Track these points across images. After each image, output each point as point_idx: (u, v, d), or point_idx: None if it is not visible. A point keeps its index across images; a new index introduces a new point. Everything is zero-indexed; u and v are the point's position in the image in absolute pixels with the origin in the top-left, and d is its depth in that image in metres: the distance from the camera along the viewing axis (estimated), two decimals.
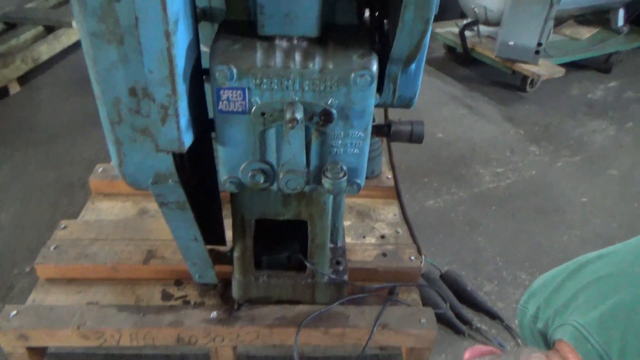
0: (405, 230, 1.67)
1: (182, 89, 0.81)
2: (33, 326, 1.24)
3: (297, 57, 0.82)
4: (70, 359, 1.45)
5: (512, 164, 2.57)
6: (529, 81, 3.25)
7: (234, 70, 0.81)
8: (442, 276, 1.77)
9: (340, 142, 0.89)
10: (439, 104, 3.17)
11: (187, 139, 0.87)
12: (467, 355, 0.77)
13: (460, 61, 3.76)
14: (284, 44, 0.83)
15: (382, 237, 1.60)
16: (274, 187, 0.96)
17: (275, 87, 0.83)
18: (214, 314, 1.29)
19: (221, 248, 1.40)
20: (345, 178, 0.90)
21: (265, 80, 0.82)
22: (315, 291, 1.33)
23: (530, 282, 1.85)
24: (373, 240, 1.58)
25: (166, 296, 1.41)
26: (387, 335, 1.30)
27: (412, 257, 1.50)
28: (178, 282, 1.45)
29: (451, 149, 2.67)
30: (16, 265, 1.80)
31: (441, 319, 1.63)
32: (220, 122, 0.87)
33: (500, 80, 3.48)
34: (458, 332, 1.61)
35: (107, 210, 1.75)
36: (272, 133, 0.88)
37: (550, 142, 2.78)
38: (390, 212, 1.82)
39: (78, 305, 1.34)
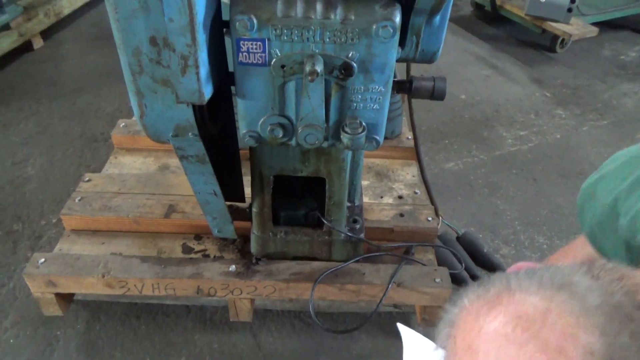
0: (424, 192, 1.67)
1: (202, 39, 0.80)
2: (60, 273, 1.29)
3: (318, 7, 0.79)
4: (96, 306, 1.51)
5: (536, 126, 2.51)
6: (559, 41, 3.12)
7: (254, 21, 0.79)
8: (458, 238, 1.76)
9: (360, 96, 0.88)
10: (464, 64, 3.08)
11: (207, 91, 0.86)
12: (510, 269, 0.65)
13: (488, 19, 3.62)
14: None
15: (400, 197, 1.60)
16: (293, 141, 0.95)
17: (296, 38, 0.81)
18: (232, 267, 1.32)
19: (240, 204, 1.42)
20: (364, 134, 0.89)
21: (285, 31, 0.80)
22: (331, 248, 1.35)
23: (548, 246, 1.84)
24: (391, 201, 1.58)
25: (186, 249, 1.44)
26: (401, 292, 1.32)
27: (429, 218, 1.50)
28: (198, 237, 1.48)
29: (474, 111, 2.61)
30: (43, 216, 1.85)
31: (456, 280, 1.63)
32: (240, 75, 0.86)
33: (529, 40, 3.35)
34: None
35: (129, 164, 1.78)
36: (291, 86, 0.87)
37: (578, 105, 2.69)
38: (409, 173, 1.81)
39: (103, 255, 1.39)
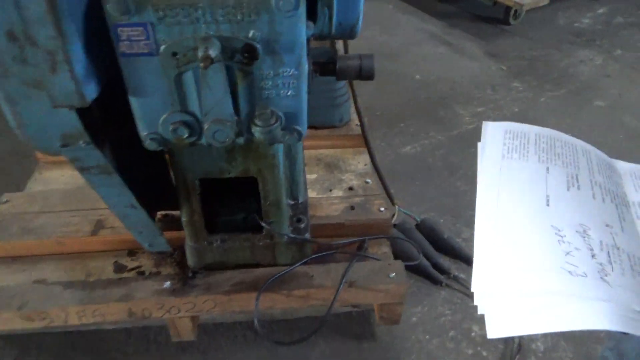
0: (376, 180, 1.58)
1: (71, 28, 0.68)
2: None
3: None
4: (26, 340, 1.38)
5: (493, 102, 2.45)
6: (512, 12, 3.08)
7: (130, 2, 0.68)
8: (417, 225, 1.69)
9: (270, 82, 0.78)
10: (417, 43, 3.00)
11: (90, 91, 0.74)
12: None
13: None
14: None
15: (350, 189, 1.50)
16: (203, 140, 0.85)
17: (184, 20, 0.70)
18: (167, 284, 1.21)
19: (175, 212, 1.31)
20: (278, 125, 0.79)
21: (169, 12, 0.69)
22: (275, 252, 1.25)
23: None
24: (340, 193, 1.49)
25: (119, 268, 1.32)
26: (354, 293, 1.23)
27: (382, 209, 1.42)
28: (131, 252, 1.35)
29: (429, 90, 2.54)
30: None
31: (417, 270, 1.56)
32: (126, 68, 0.75)
33: (482, 13, 3.30)
34: (435, 282, 1.55)
35: (55, 179, 1.63)
36: (189, 77, 0.76)
37: (535, 77, 2.65)
38: (361, 161, 1.72)
39: (21, 284, 1.25)
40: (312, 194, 1.48)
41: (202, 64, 0.68)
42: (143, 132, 0.83)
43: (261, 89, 0.78)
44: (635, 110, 2.35)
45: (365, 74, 0.91)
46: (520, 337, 1.38)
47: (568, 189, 0.75)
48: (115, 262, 1.33)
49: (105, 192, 0.98)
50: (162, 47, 0.72)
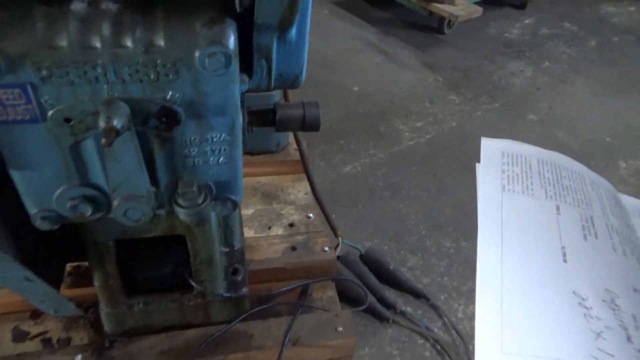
0: (318, 212, 1.46)
1: None
2: None
3: (105, 28, 0.52)
4: None
5: (431, 115, 2.41)
6: (446, 22, 3.06)
7: (0, 58, 0.50)
8: (362, 257, 1.60)
9: (196, 149, 0.62)
10: (354, 51, 2.91)
11: None
12: None
13: (375, 1, 3.49)
14: (81, 8, 0.52)
15: (291, 225, 1.37)
16: (112, 216, 0.68)
17: (77, 79, 0.53)
18: (78, 358, 1.02)
19: (87, 264, 1.11)
20: (206, 204, 0.64)
21: (56, 72, 0.52)
22: (208, 311, 1.09)
23: (455, 250, 1.74)
24: (280, 231, 1.35)
25: (19, 336, 1.11)
26: (299, 351, 1.10)
27: (326, 248, 1.29)
28: (35, 314, 1.14)
29: (368, 104, 2.45)
30: None
31: (367, 310, 1.47)
32: (2, 138, 0.56)
33: (417, 22, 3.27)
34: (382, 319, 1.46)
35: None
36: (90, 146, 0.59)
37: (470, 89, 2.65)
38: (301, 189, 1.59)
39: None
40: (249, 232, 1.33)
41: (104, 140, 0.51)
42: (32, 210, 0.65)
43: (185, 157, 0.63)
44: (565, 124, 2.40)
45: (310, 125, 0.78)
46: None
47: (585, 238, 0.64)
48: (15, 327, 1.12)
49: None
50: (50, 112, 0.54)
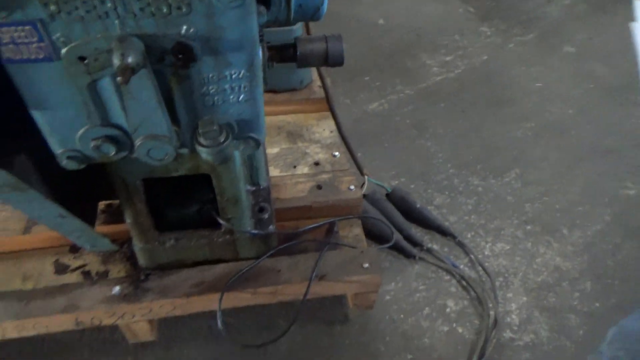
0: (343, 151, 1.43)
1: None
2: None
3: None
4: None
5: (461, 49, 2.29)
6: None
7: None
8: (388, 195, 1.58)
9: (215, 87, 0.60)
10: None
11: None
12: None
13: None
14: None
15: (317, 164, 1.36)
16: (136, 156, 0.67)
17: (86, 14, 0.50)
18: (116, 289, 1.06)
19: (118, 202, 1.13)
20: (228, 142, 0.62)
21: (64, 6, 0.49)
22: (237, 247, 1.11)
23: (483, 188, 1.70)
24: (306, 170, 1.34)
25: (60, 268, 1.16)
26: (326, 286, 1.12)
27: (352, 187, 1.28)
28: (74, 249, 1.19)
29: (394, 37, 2.34)
30: None
31: (392, 247, 1.46)
32: (18, 77, 0.55)
33: None
34: (408, 256, 1.46)
35: None
36: (107, 84, 0.57)
37: (502, 19, 2.49)
38: (326, 128, 1.55)
39: None
40: (274, 172, 1.33)
41: (119, 78, 0.49)
42: (57, 150, 0.65)
43: (204, 95, 0.60)
44: (604, 57, 2.25)
45: (333, 60, 0.73)
46: (495, 311, 1.33)
47: None
48: (56, 260, 1.17)
49: (25, 208, 0.80)
50: (64, 50, 0.52)
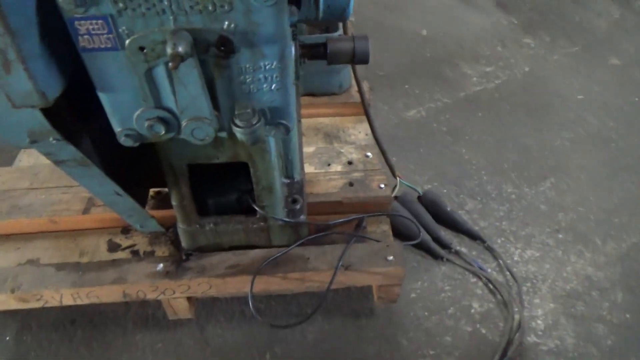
0: (377, 153, 1.50)
1: (19, 24, 0.59)
2: None
3: None
4: (25, 314, 1.37)
5: (502, 60, 2.31)
6: None
7: None
8: (419, 198, 1.63)
9: (250, 77, 0.69)
10: None
11: (52, 89, 0.67)
12: None
13: None
14: None
15: (350, 163, 1.43)
16: (182, 136, 0.77)
17: (147, 11, 0.60)
18: (160, 266, 1.17)
19: (166, 190, 1.25)
20: (260, 124, 0.71)
21: (129, 4, 0.60)
22: (270, 234, 1.20)
23: (516, 195, 1.72)
24: (339, 168, 1.42)
25: (113, 247, 1.28)
26: (351, 276, 1.19)
27: (382, 185, 1.35)
28: (125, 230, 1.32)
29: (436, 47, 2.39)
30: None
31: (418, 245, 1.51)
32: (90, 64, 0.66)
33: None
34: (436, 257, 1.50)
35: None
36: (161, 72, 0.68)
37: (547, 31, 2.49)
38: (362, 131, 1.64)
39: (14, 266, 1.22)
40: (309, 168, 1.41)
41: (171, 64, 0.59)
42: (117, 128, 0.76)
43: (241, 83, 0.70)
44: None
45: (359, 58, 0.81)
46: (521, 315, 1.35)
47: None
48: (109, 240, 1.30)
49: (86, 182, 0.92)
50: (127, 41, 0.63)
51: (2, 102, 0.68)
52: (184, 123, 0.72)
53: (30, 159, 1.54)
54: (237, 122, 0.70)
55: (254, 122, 0.70)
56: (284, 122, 0.77)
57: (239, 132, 0.71)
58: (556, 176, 1.76)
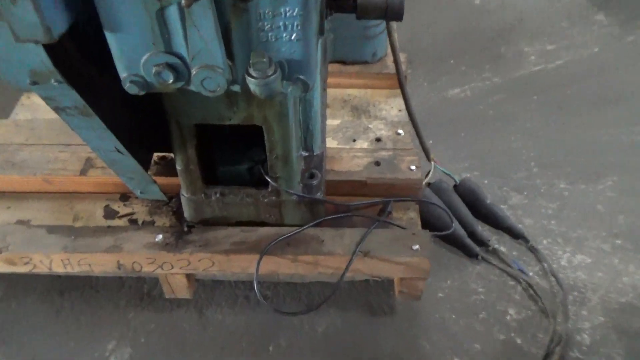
0: (410, 131, 1.52)
1: None
2: None
3: None
4: (13, 281, 1.46)
5: (567, 38, 2.29)
6: None
7: None
8: (456, 187, 1.65)
9: (269, 24, 0.73)
10: None
11: (58, 25, 0.72)
12: None
13: None
14: None
15: (378, 140, 1.46)
16: (191, 87, 0.82)
17: None
18: (159, 237, 1.23)
19: (171, 155, 1.31)
20: (276, 76, 0.75)
21: None
22: (282, 211, 1.24)
23: (570, 193, 1.72)
24: (365, 145, 1.45)
25: (110, 213, 1.35)
26: (369, 264, 1.22)
27: (413, 167, 1.38)
28: (124, 197, 1.38)
29: (490, 20, 2.39)
30: None
31: (450, 239, 1.54)
32: (100, 1, 0.71)
33: None
34: (470, 254, 1.52)
35: (44, 106, 1.63)
36: (174, 12, 0.72)
37: (624, 8, 2.44)
38: (394, 106, 1.66)
39: (4, 224, 1.30)
40: (332, 143, 1.45)
41: (184, 1, 0.64)
42: (122, 74, 0.81)
43: (259, 30, 0.74)
44: None
45: (392, 14, 0.84)
46: (564, 327, 1.36)
47: None
48: (106, 206, 1.37)
49: (85, 134, 0.99)
50: None
51: (6, 37, 0.74)
52: (194, 71, 0.77)
53: (27, 113, 1.62)
54: (252, 72, 0.75)
55: (270, 74, 0.74)
56: (303, 77, 0.81)
57: (252, 84, 0.75)
58: (619, 175, 1.75)
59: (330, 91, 1.64)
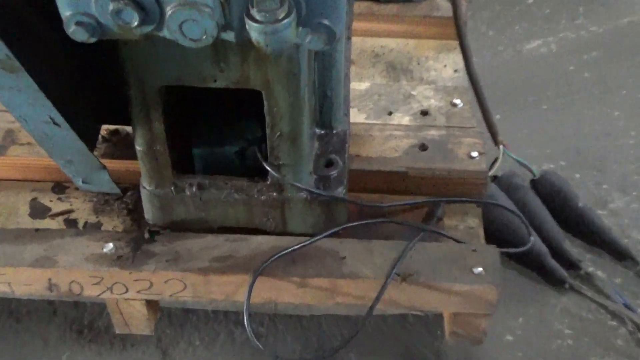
0: (471, 100, 1.51)
1: None
2: None
3: None
4: None
5: None
6: None
7: None
8: (534, 182, 1.64)
9: None
10: None
11: None
12: None
13: None
14: None
15: (424, 113, 1.46)
16: (165, 33, 0.81)
17: None
18: (108, 246, 1.22)
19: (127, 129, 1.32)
20: (289, 20, 0.74)
21: None
22: (286, 213, 1.24)
23: None
24: (406, 120, 1.45)
25: (38, 210, 1.35)
26: (410, 292, 1.21)
27: (474, 153, 1.37)
28: (59, 187, 1.38)
29: None
30: None
31: (526, 259, 1.54)
32: None
33: None
34: (554, 280, 1.52)
35: None
36: None
37: None
38: (448, 64, 1.65)
39: None
40: (358, 116, 1.45)
41: None
42: (65, 12, 0.79)
43: None
44: None
45: None
46: None
47: None
48: (34, 199, 1.37)
49: (10, 99, 0.99)
50: None
51: None
52: (169, 10, 0.75)
53: None
54: (254, 14, 0.73)
55: (281, 16, 0.73)
56: (327, 22, 0.79)
57: (255, 31, 0.74)
58: None
59: (356, 41, 1.63)
